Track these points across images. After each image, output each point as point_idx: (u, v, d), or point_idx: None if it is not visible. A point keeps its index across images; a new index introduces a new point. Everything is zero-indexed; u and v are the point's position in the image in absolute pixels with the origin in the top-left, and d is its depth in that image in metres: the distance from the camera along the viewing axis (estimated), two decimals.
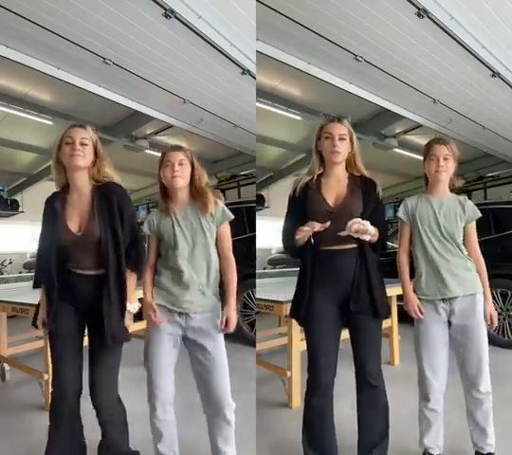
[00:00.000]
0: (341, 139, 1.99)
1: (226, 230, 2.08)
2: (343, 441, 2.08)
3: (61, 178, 2.01)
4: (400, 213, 2.20)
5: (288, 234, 2.02)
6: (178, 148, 2.09)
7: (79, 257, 1.95)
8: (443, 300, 2.11)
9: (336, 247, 1.97)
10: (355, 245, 1.97)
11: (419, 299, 2.15)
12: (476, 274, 2.15)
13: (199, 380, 2.05)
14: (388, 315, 2.06)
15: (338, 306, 2.00)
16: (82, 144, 1.93)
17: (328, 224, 1.89)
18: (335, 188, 2.03)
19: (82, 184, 1.99)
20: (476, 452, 2.18)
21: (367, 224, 1.88)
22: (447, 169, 2.13)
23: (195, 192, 2.06)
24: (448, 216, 2.13)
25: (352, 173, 2.07)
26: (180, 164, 2.02)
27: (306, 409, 2.03)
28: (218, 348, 2.02)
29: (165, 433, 2.05)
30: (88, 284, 1.95)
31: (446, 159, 2.12)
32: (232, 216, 2.07)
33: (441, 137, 2.24)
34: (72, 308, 1.97)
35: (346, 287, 1.97)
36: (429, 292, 2.13)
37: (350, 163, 2.07)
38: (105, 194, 1.97)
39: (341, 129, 2.00)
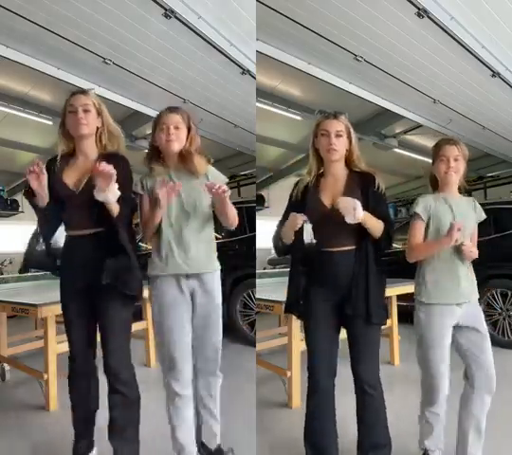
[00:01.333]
0: (338, 136, 1.93)
1: None
2: (344, 441, 2.07)
3: (68, 146, 2.00)
4: (420, 209, 2.03)
5: (279, 233, 2.01)
6: (175, 109, 2.03)
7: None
8: (457, 304, 2.02)
9: (334, 249, 1.94)
10: (353, 247, 1.93)
11: (427, 304, 2.02)
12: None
13: None
14: (384, 322, 2.01)
15: (336, 308, 1.97)
16: (85, 111, 1.92)
17: (305, 217, 1.87)
18: (332, 187, 1.99)
19: (90, 151, 1.99)
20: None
21: (358, 203, 1.81)
22: (457, 170, 2.05)
23: (183, 156, 2.02)
24: (465, 217, 2.04)
25: (353, 170, 2.01)
26: (176, 128, 1.98)
27: (306, 409, 2.02)
28: None
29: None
30: (89, 245, 1.93)
31: (456, 160, 2.03)
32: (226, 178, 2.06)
33: (451, 138, 2.14)
34: None
35: (344, 289, 1.93)
36: (442, 296, 2.01)
37: (349, 159, 2.00)
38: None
39: (338, 125, 1.94)
